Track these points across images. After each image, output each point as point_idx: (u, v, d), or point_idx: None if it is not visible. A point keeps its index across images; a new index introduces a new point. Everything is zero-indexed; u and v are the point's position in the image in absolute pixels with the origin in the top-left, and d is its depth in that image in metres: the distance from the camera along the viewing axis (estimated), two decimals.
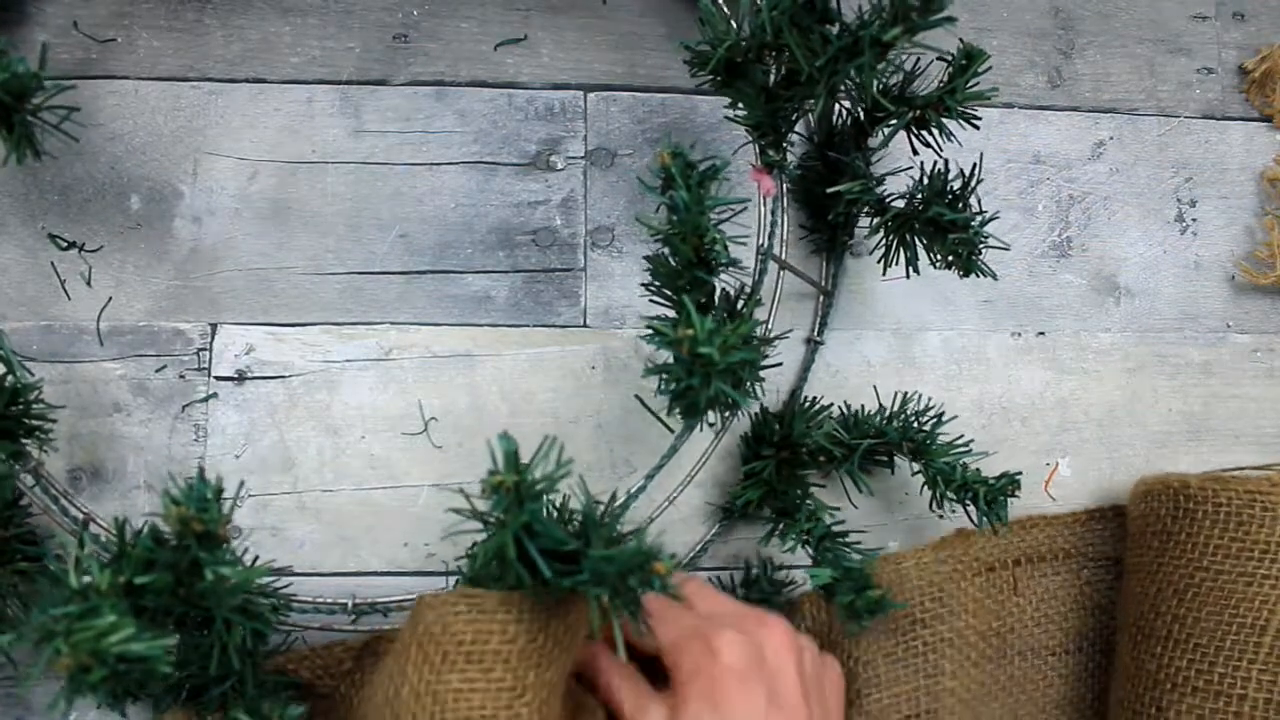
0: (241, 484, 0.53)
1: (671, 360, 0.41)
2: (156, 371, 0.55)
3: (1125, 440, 0.61)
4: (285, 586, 0.51)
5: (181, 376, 0.55)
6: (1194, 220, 0.64)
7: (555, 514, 0.46)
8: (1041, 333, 0.61)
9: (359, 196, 0.58)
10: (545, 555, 0.39)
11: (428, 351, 0.57)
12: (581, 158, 0.59)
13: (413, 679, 0.41)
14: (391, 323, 0.57)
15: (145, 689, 0.46)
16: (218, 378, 0.55)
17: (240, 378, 0.55)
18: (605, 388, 0.57)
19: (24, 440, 0.49)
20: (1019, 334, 0.61)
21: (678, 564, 0.40)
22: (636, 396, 0.55)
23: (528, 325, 0.58)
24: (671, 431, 0.53)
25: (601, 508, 0.42)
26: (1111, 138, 0.64)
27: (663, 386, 0.42)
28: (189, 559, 0.37)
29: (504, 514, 0.38)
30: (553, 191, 0.59)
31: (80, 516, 0.51)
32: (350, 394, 0.56)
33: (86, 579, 0.34)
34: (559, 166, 0.59)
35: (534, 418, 0.57)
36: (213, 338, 0.56)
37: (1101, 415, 0.61)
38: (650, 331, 0.41)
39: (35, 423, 0.49)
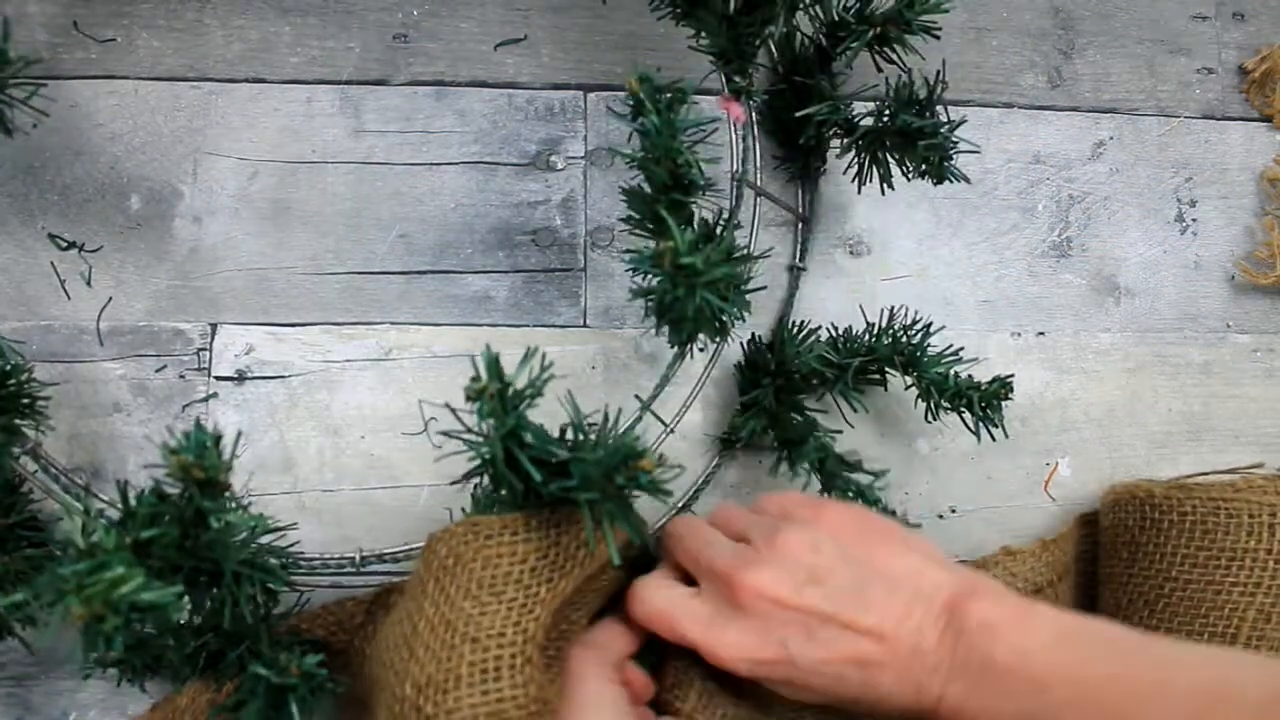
0: (239, 434, 0.53)
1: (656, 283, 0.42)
2: (156, 371, 0.55)
3: (1125, 440, 0.61)
4: (292, 545, 0.50)
5: (181, 376, 0.55)
6: (1194, 220, 0.64)
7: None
8: (1041, 333, 0.61)
9: (359, 196, 0.58)
10: (536, 465, 0.40)
11: (428, 351, 0.57)
12: (581, 158, 0.59)
13: (428, 612, 0.41)
14: (391, 323, 0.57)
15: (161, 660, 0.46)
16: (218, 378, 0.55)
17: (240, 378, 0.55)
18: (605, 388, 0.57)
19: (19, 421, 0.49)
20: (1019, 334, 0.61)
21: (668, 471, 0.41)
22: (636, 396, 0.55)
23: (528, 325, 0.58)
24: (664, 424, 0.53)
25: (596, 428, 0.43)
26: (1111, 138, 0.64)
27: (649, 308, 0.43)
28: (193, 509, 0.37)
29: (491, 421, 0.38)
30: (553, 191, 0.59)
31: (83, 488, 0.51)
32: (350, 394, 0.56)
33: (94, 539, 0.34)
34: (559, 166, 0.59)
35: (533, 417, 0.57)
36: (213, 338, 0.56)
37: (1101, 415, 0.61)
38: (633, 260, 0.42)
39: (28, 402, 0.48)
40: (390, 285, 0.57)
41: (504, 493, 0.42)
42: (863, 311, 0.58)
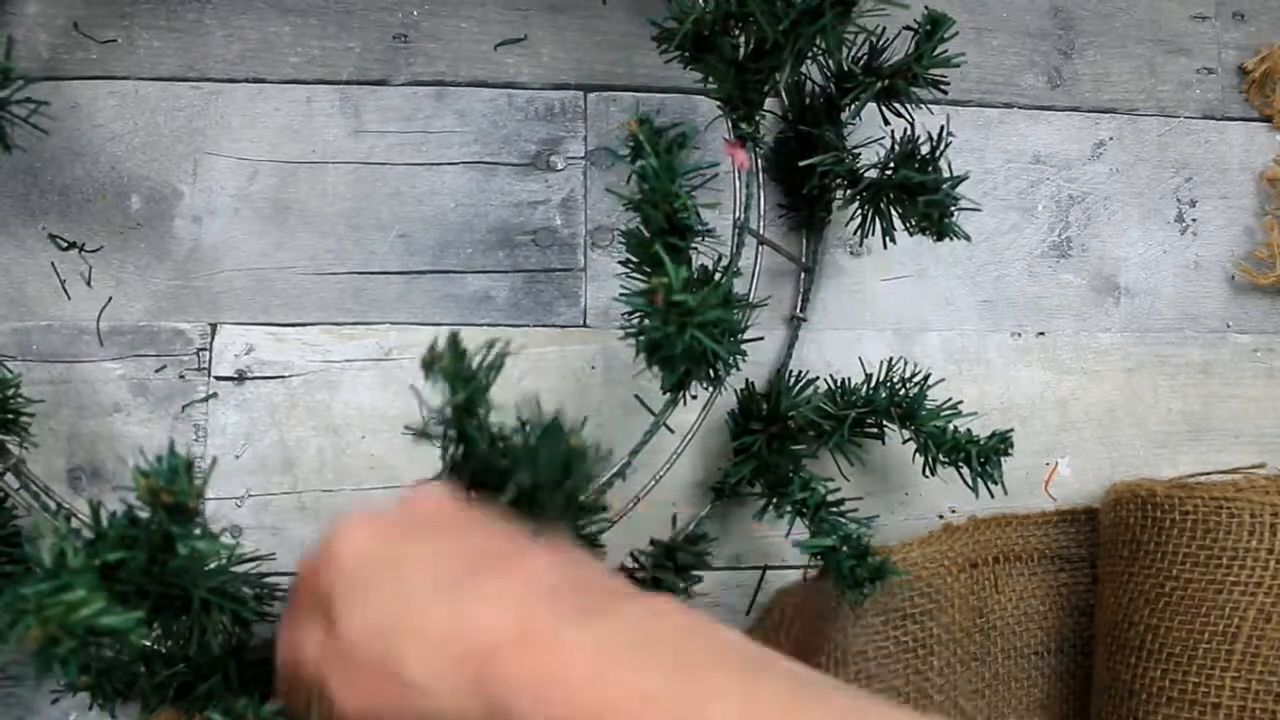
0: (214, 461, 0.54)
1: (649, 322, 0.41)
2: (156, 371, 0.55)
3: (1125, 440, 0.61)
4: (269, 575, 0.50)
5: (181, 376, 0.55)
6: (1194, 220, 0.64)
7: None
8: (1041, 333, 0.61)
9: (359, 196, 0.58)
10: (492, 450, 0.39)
11: None
12: (581, 158, 0.59)
13: None
14: (391, 323, 0.57)
15: (133, 687, 0.46)
16: (218, 378, 0.55)
17: (240, 378, 0.55)
18: (605, 388, 0.57)
19: (3, 437, 0.48)
20: (1019, 334, 0.61)
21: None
22: (636, 396, 0.54)
23: (528, 325, 0.58)
24: (671, 432, 0.53)
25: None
26: (1111, 138, 0.64)
27: (640, 345, 0.42)
28: (161, 533, 0.36)
29: (446, 390, 0.39)
30: (553, 191, 0.59)
31: (55, 508, 0.50)
32: (350, 394, 0.56)
33: (62, 558, 0.34)
34: (559, 166, 0.59)
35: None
36: (213, 338, 0.56)
37: (1101, 415, 0.61)
38: (626, 300, 0.41)
39: (12, 417, 0.48)
40: (390, 285, 0.57)
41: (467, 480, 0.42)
42: (861, 364, 0.57)
